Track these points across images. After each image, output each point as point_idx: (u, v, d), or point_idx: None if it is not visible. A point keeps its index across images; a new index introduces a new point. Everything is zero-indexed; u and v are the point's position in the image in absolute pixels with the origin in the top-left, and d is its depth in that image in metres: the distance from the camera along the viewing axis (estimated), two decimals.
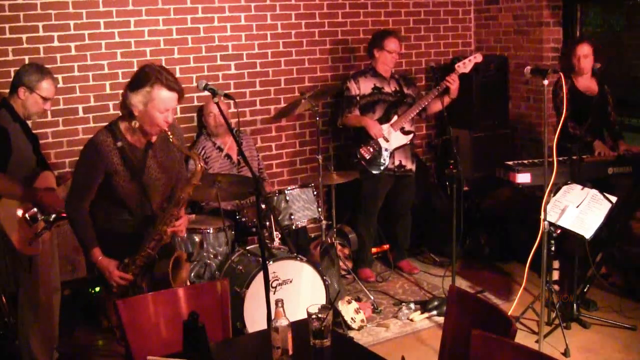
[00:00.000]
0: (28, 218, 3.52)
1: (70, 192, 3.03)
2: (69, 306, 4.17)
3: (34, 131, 3.88)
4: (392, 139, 4.92)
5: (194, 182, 3.00)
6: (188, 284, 3.25)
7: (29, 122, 3.72)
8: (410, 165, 5.08)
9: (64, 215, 3.64)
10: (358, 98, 4.95)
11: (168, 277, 2.99)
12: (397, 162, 4.99)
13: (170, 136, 2.93)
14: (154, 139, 2.99)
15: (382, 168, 4.93)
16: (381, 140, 4.89)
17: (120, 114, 2.95)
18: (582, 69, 4.63)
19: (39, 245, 3.58)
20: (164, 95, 2.80)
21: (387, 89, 4.99)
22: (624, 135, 4.80)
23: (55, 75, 3.67)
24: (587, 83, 4.69)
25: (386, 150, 4.92)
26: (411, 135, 5.02)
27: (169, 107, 2.83)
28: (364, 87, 4.96)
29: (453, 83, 4.73)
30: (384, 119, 4.93)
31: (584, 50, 4.60)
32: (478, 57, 4.84)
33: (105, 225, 3.02)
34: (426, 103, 4.87)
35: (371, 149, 4.90)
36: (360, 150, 4.91)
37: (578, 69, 4.64)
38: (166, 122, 2.86)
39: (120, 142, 2.90)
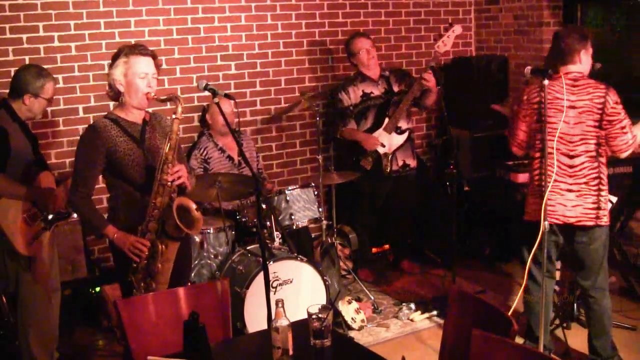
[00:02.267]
0: (27, 218, 3.53)
1: (73, 179, 3.05)
2: (69, 306, 4.17)
3: (33, 131, 3.89)
4: (389, 143, 4.87)
5: (179, 117, 3.00)
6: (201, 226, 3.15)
7: (29, 122, 3.73)
8: (413, 163, 5.06)
9: (64, 215, 3.66)
10: (352, 108, 4.91)
11: (180, 228, 2.92)
12: (400, 163, 4.96)
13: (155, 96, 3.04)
14: (147, 116, 3.13)
15: (387, 171, 4.88)
16: (378, 147, 4.85)
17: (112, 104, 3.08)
18: None
19: (38, 245, 3.59)
20: (139, 60, 3.01)
21: (375, 92, 4.93)
22: None
23: (55, 75, 3.72)
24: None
25: (386, 154, 4.87)
26: (407, 133, 4.96)
27: (147, 72, 3.01)
28: (354, 96, 4.91)
29: (429, 81, 4.63)
30: (376, 125, 4.87)
31: None
32: (457, 29, 4.66)
33: (126, 212, 3.04)
34: (411, 99, 4.75)
35: (370, 159, 4.84)
36: (361, 163, 4.86)
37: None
38: (149, 87, 3.02)
39: (116, 120, 3.05)
